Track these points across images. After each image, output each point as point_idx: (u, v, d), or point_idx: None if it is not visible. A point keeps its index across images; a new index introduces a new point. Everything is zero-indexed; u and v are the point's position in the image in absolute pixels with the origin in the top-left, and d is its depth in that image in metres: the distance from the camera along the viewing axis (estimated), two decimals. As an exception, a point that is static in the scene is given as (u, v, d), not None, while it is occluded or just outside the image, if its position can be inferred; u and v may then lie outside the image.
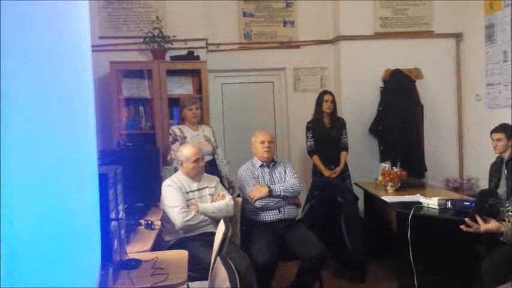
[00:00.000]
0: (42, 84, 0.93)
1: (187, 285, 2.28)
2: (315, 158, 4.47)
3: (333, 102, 4.46)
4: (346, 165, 4.49)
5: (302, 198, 3.83)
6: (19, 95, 0.75)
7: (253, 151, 3.61)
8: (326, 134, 4.45)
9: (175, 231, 3.02)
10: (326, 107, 4.43)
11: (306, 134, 4.53)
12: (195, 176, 3.18)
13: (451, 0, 4.98)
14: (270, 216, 3.41)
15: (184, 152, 3.17)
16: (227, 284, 1.75)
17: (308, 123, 4.53)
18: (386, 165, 4.33)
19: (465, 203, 3.12)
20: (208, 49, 4.89)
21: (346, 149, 4.50)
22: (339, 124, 4.50)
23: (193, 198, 3.12)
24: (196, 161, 3.13)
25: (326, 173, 4.38)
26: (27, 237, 0.76)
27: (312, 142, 4.48)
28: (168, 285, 1.92)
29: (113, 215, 1.82)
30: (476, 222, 2.57)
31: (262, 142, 3.52)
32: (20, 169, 0.74)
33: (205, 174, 3.31)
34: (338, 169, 4.39)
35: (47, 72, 0.97)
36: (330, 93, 4.53)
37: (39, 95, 0.89)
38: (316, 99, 4.51)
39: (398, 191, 3.90)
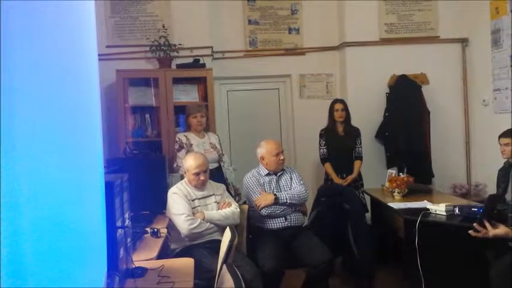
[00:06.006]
0: (49, 93, 0.93)
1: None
2: (327, 165, 4.46)
3: (345, 110, 4.45)
4: (359, 175, 4.48)
5: (309, 205, 3.82)
6: (25, 103, 0.76)
7: (262, 162, 3.53)
8: (339, 142, 4.44)
9: (181, 239, 3.02)
10: (337, 116, 4.43)
11: (319, 141, 4.52)
12: (196, 186, 3.17)
13: (457, 5, 4.98)
14: (276, 223, 3.40)
15: (187, 163, 3.17)
16: (233, 291, 1.74)
17: (321, 130, 4.53)
18: (393, 172, 4.31)
19: (473, 209, 3.09)
20: (214, 57, 4.91)
21: (360, 158, 4.48)
22: (353, 133, 4.48)
23: (199, 206, 3.12)
24: (196, 174, 3.10)
25: (338, 181, 4.36)
26: (31, 246, 0.76)
27: (325, 150, 4.48)
28: (174, 293, 1.91)
29: (119, 223, 1.81)
30: (484, 227, 2.55)
31: (277, 154, 3.48)
32: (25, 177, 0.74)
33: (211, 181, 3.31)
34: (350, 178, 4.37)
35: (54, 81, 0.98)
36: (341, 101, 4.52)
37: (45, 103, 0.90)
38: (328, 108, 4.52)
39: (406, 197, 3.88)
